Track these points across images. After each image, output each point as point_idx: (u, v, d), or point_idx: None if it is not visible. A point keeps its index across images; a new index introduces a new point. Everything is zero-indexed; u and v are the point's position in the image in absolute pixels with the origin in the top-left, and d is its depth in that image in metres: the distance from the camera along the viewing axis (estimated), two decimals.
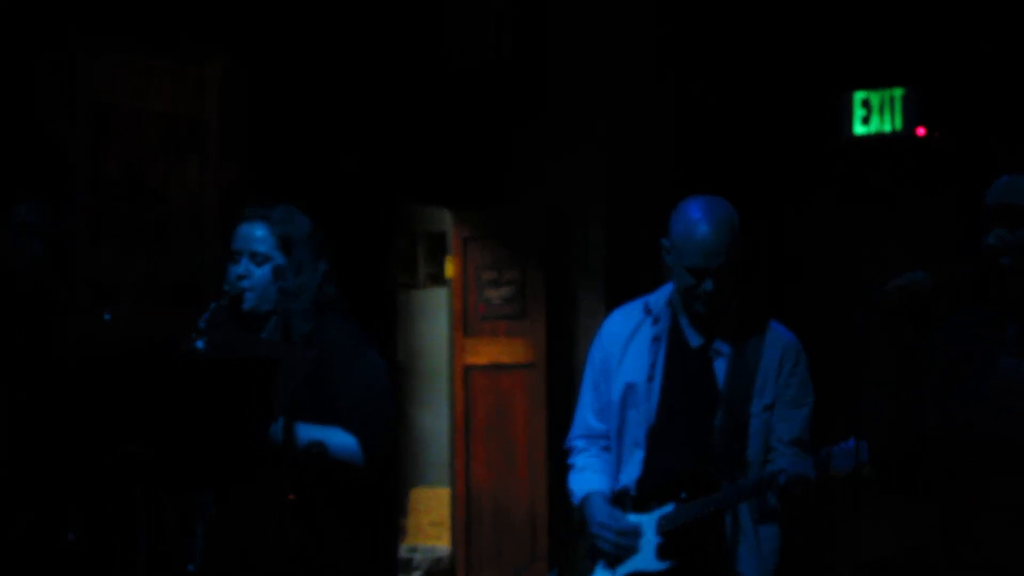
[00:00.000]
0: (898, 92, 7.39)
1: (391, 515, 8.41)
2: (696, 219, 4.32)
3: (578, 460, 4.63)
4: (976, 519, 3.19)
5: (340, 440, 4.36)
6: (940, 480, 3.29)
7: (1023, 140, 7.12)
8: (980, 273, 3.11)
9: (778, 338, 4.44)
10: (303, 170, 6.94)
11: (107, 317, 4.43)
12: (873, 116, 7.46)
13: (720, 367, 4.40)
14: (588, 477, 4.56)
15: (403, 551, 10.29)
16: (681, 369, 4.45)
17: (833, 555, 7.05)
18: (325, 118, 7.14)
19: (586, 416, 4.64)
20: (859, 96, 7.49)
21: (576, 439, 4.67)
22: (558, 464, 7.91)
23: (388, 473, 7.17)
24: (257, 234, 4.56)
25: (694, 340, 4.46)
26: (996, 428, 3.11)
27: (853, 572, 6.60)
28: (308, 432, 4.29)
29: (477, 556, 8.57)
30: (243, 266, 4.53)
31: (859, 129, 7.50)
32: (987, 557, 3.15)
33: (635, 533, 4.37)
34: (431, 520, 10.68)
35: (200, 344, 4.32)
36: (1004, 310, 3.23)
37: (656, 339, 4.49)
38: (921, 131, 7.36)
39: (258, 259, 4.53)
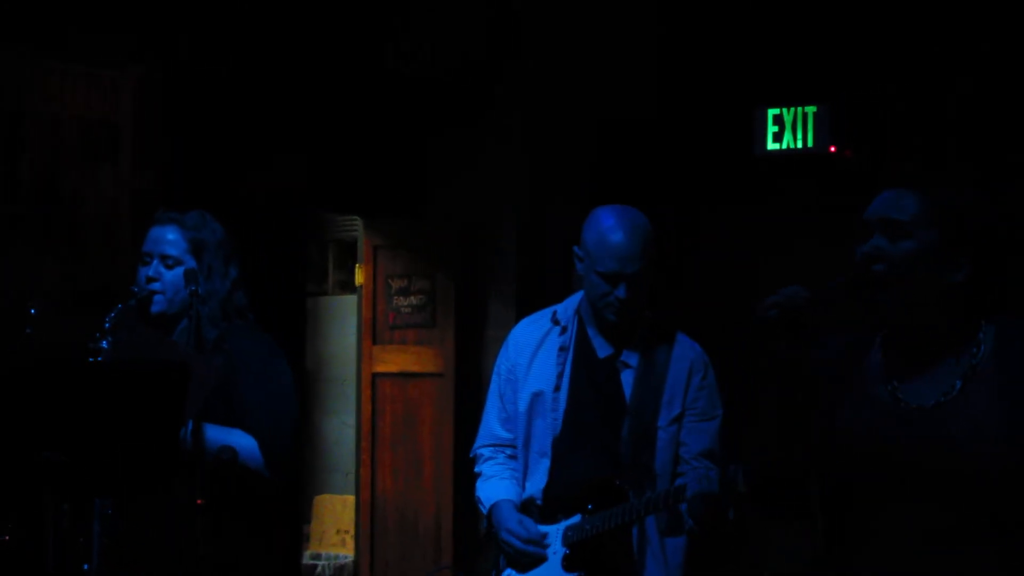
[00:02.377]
0: (811, 110, 7.46)
1: (295, 522, 8.37)
2: (610, 225, 4.33)
3: (485, 468, 4.63)
4: (852, 546, 3.21)
5: (245, 445, 4.35)
6: (818, 505, 3.30)
7: (933, 158, 7.22)
8: (851, 283, 3.14)
9: (686, 350, 4.46)
10: (217, 176, 6.90)
11: (32, 311, 4.37)
12: (785, 133, 7.52)
13: (627, 378, 4.41)
14: (496, 485, 4.55)
15: (307, 558, 10.26)
16: (588, 379, 4.45)
17: (739, 568, 7.09)
18: (239, 125, 7.11)
19: (492, 425, 4.64)
20: (772, 113, 7.55)
21: (482, 448, 4.67)
22: (464, 474, 7.94)
23: (292, 480, 7.14)
24: (169, 237, 4.53)
25: (602, 350, 4.47)
26: (872, 453, 3.14)
27: None
28: (215, 435, 4.28)
29: (381, 564, 8.56)
30: (153, 269, 4.50)
31: (771, 145, 7.56)
32: None
33: (543, 541, 4.37)
34: (336, 527, 10.65)
35: (104, 344, 4.30)
36: (876, 330, 3.26)
37: (563, 349, 4.50)
38: (833, 149, 7.43)
39: (169, 262, 4.50)
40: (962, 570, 3.01)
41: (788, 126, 7.52)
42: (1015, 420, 2.96)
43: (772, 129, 7.56)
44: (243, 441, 4.36)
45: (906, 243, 3.08)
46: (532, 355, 4.55)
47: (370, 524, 8.59)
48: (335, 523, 10.70)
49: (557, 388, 4.46)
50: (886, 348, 3.22)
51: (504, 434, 4.61)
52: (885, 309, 3.14)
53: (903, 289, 3.09)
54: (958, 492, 3.01)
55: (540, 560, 4.37)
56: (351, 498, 9.67)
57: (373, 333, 8.65)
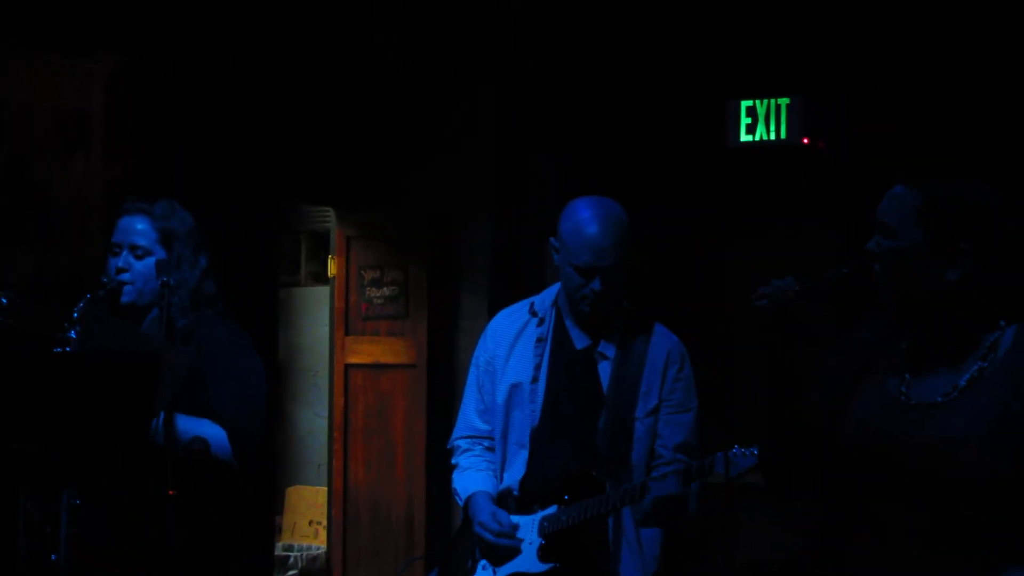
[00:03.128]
0: (783, 102, 7.46)
1: (268, 513, 8.35)
2: (586, 217, 4.32)
3: (462, 460, 4.63)
4: (850, 538, 3.21)
5: (215, 436, 4.34)
6: (819, 493, 3.31)
7: (906, 151, 7.24)
8: (852, 277, 3.14)
9: (663, 341, 4.46)
10: (188, 166, 6.88)
11: (3, 301, 4.35)
12: (758, 125, 7.53)
13: (604, 370, 4.41)
14: (472, 477, 4.55)
15: (279, 549, 10.23)
16: (565, 371, 4.45)
17: (714, 559, 7.11)
18: (212, 115, 7.08)
19: (470, 416, 4.64)
20: (745, 105, 7.55)
21: (459, 439, 4.67)
22: (437, 465, 7.96)
23: (262, 470, 7.13)
24: (138, 227, 4.51)
25: (579, 342, 4.46)
26: (869, 445, 3.14)
27: (735, 574, 6.66)
28: (186, 426, 4.26)
29: (354, 555, 8.54)
30: (123, 259, 4.48)
31: (744, 137, 7.56)
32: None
33: (516, 534, 4.37)
34: (308, 519, 10.64)
35: (73, 334, 4.28)
36: (896, 326, 3.26)
37: (541, 340, 4.49)
38: (805, 140, 7.44)
39: (138, 252, 4.48)
40: (943, 574, 3.01)
41: (761, 118, 7.52)
42: (1007, 427, 2.95)
43: (745, 121, 7.56)
44: (213, 431, 4.34)
45: (896, 241, 3.08)
46: (510, 347, 4.55)
47: (342, 515, 8.57)
48: (307, 514, 10.68)
49: (535, 380, 4.46)
50: (912, 340, 3.22)
51: (482, 425, 4.60)
52: (880, 306, 3.15)
53: (894, 287, 3.09)
54: (941, 494, 3.01)
55: (513, 553, 4.36)
56: (323, 489, 9.65)
57: (346, 324, 8.63)
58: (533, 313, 4.56)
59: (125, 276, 4.47)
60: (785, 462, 3.35)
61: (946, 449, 2.99)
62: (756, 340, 3.22)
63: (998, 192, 3.09)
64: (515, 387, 4.48)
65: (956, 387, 3.06)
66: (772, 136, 7.49)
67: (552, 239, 4.44)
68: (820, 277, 3.20)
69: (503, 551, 4.37)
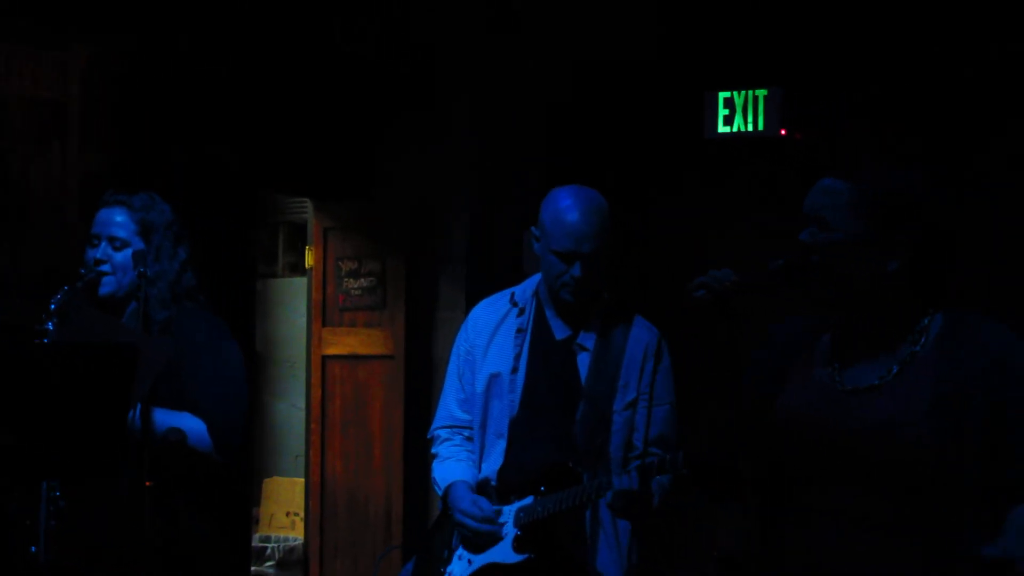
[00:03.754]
0: (761, 93, 7.47)
1: (245, 504, 8.34)
2: (567, 205, 4.33)
3: (442, 450, 4.63)
4: (784, 528, 3.23)
5: (194, 428, 4.34)
6: (757, 487, 3.32)
7: (883, 141, 7.25)
8: (790, 269, 3.15)
9: (643, 333, 4.46)
10: (166, 158, 6.86)
11: None
12: (736, 116, 7.53)
13: (583, 361, 4.42)
14: (452, 466, 4.55)
15: (256, 541, 10.24)
16: (544, 362, 4.46)
17: (690, 550, 7.13)
18: (189, 105, 7.07)
19: (450, 406, 4.65)
20: (723, 96, 7.55)
21: (439, 429, 4.67)
22: (414, 456, 7.96)
23: (242, 462, 7.13)
24: (117, 219, 4.51)
25: (559, 332, 4.47)
26: (803, 434, 3.16)
27: (709, 567, 6.67)
28: (163, 418, 4.26)
29: (331, 546, 8.54)
30: (101, 251, 4.48)
31: (722, 128, 7.56)
32: (800, 564, 3.19)
33: (495, 521, 4.37)
34: (285, 510, 10.64)
35: (50, 326, 4.28)
36: (822, 318, 3.28)
37: (521, 330, 4.50)
38: (783, 132, 7.44)
39: (117, 244, 4.48)
40: (886, 558, 3.03)
41: (739, 109, 7.53)
42: (942, 410, 2.97)
43: (723, 112, 7.56)
44: (192, 424, 4.34)
45: (834, 234, 3.09)
46: (490, 336, 4.55)
47: (320, 506, 8.57)
48: (285, 506, 10.70)
49: (514, 370, 4.46)
50: (836, 332, 3.24)
51: (462, 415, 4.61)
52: (819, 296, 3.16)
53: (834, 278, 3.11)
54: (880, 477, 3.02)
55: (495, 539, 4.37)
56: (301, 481, 9.66)
57: (323, 315, 8.63)
58: (513, 303, 4.56)
59: (104, 267, 4.47)
60: (713, 459, 3.37)
61: (885, 432, 3.01)
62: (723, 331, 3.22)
63: (931, 179, 3.11)
64: (494, 377, 4.48)
65: (890, 371, 3.08)
66: (750, 127, 7.49)
67: (532, 228, 4.45)
68: (758, 268, 3.21)
69: (484, 537, 4.37)
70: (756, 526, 3.29)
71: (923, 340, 3.09)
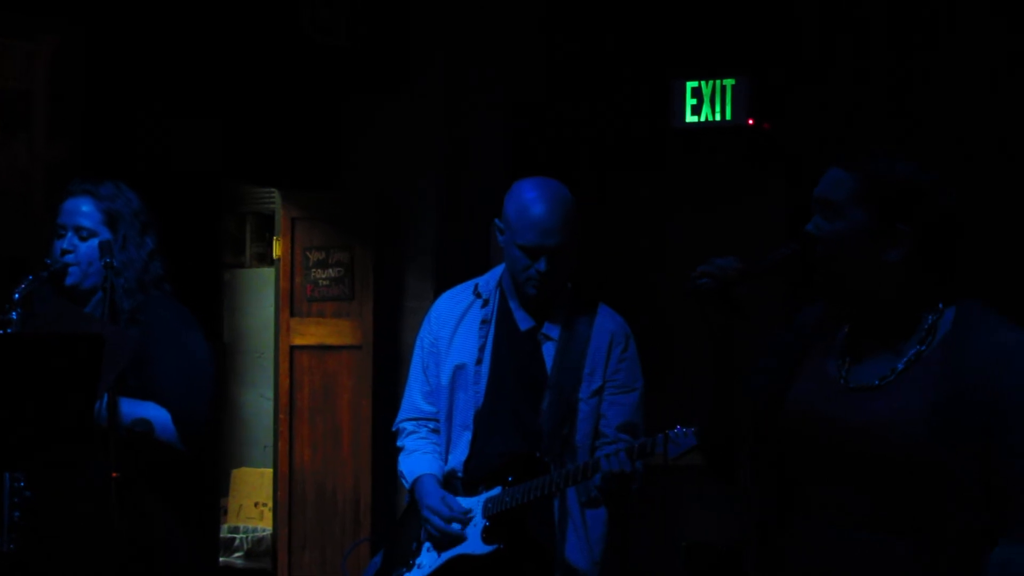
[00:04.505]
0: (729, 82, 7.48)
1: (213, 495, 8.32)
2: (532, 198, 4.31)
3: (408, 442, 4.62)
4: (788, 522, 3.22)
5: (159, 418, 4.32)
6: (758, 475, 3.32)
7: (854, 132, 7.27)
8: (795, 259, 3.14)
9: (607, 323, 4.46)
10: (133, 148, 6.83)
11: None
12: (704, 105, 7.54)
13: (548, 351, 4.41)
14: (419, 459, 4.54)
15: (225, 531, 10.22)
16: (509, 352, 4.45)
17: (658, 542, 7.14)
18: (155, 95, 7.03)
19: (415, 398, 4.63)
20: (690, 85, 7.56)
21: (404, 421, 4.66)
22: (382, 446, 7.95)
23: (209, 453, 7.10)
24: (83, 209, 4.50)
25: (523, 323, 4.46)
26: (805, 428, 3.16)
27: (677, 556, 6.69)
28: (130, 408, 4.25)
29: (300, 537, 8.53)
30: (68, 241, 4.47)
31: (690, 118, 7.57)
32: (795, 560, 3.19)
33: (464, 520, 4.37)
34: (254, 500, 10.62)
35: (14, 315, 4.26)
36: (836, 312, 3.27)
37: (485, 321, 4.49)
38: (751, 121, 7.45)
39: (83, 233, 4.46)
40: (876, 559, 3.02)
41: (707, 99, 7.54)
42: (941, 412, 2.95)
43: (691, 102, 7.58)
44: (157, 414, 4.33)
45: (837, 223, 3.08)
46: (454, 328, 4.54)
47: (288, 497, 8.56)
48: (253, 496, 10.67)
49: (479, 361, 4.45)
50: (852, 324, 3.23)
51: (427, 407, 4.60)
52: (823, 288, 3.16)
53: (836, 268, 3.10)
54: (876, 476, 3.01)
55: (460, 540, 4.36)
56: (269, 471, 9.64)
57: (291, 306, 8.61)
58: (477, 294, 4.55)
59: (69, 258, 4.45)
60: (724, 444, 3.36)
61: (881, 432, 3.00)
62: (699, 319, 3.21)
63: (936, 170, 3.10)
64: (459, 368, 4.47)
65: (894, 370, 3.07)
66: (717, 117, 7.51)
67: (497, 220, 4.43)
68: (762, 256, 3.20)
69: (450, 538, 4.37)
70: (756, 517, 3.29)
71: (930, 338, 3.07)
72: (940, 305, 3.10)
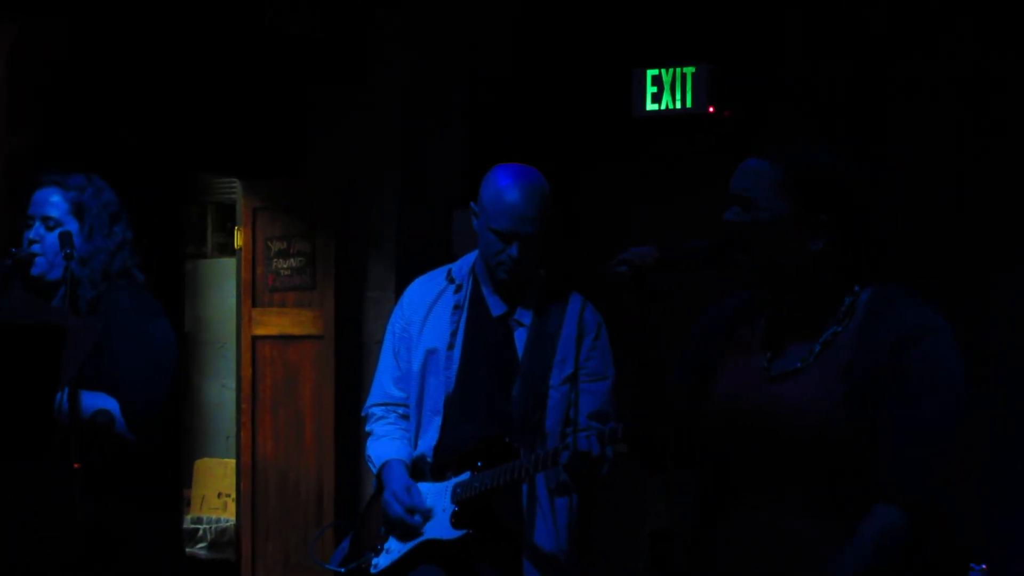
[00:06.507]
0: (689, 70, 7.49)
1: (176, 486, 8.30)
2: (508, 184, 4.35)
3: (377, 427, 4.62)
4: (717, 511, 3.24)
5: (111, 407, 4.31)
6: (689, 465, 3.34)
7: (812, 119, 7.30)
8: (712, 249, 3.16)
9: (579, 310, 4.48)
10: (93, 137, 6.80)
11: None
12: (664, 93, 7.55)
13: (520, 337, 4.44)
14: (387, 445, 4.55)
15: (188, 522, 10.20)
16: (481, 338, 4.47)
17: (622, 529, 7.17)
18: (116, 85, 7.01)
19: (385, 384, 4.64)
20: (650, 73, 7.56)
21: (374, 407, 4.66)
22: (346, 436, 7.95)
23: (172, 444, 7.09)
24: (51, 199, 4.53)
25: (496, 309, 4.48)
26: (730, 417, 3.17)
27: (641, 543, 6.72)
28: (92, 400, 4.24)
29: (263, 527, 8.52)
30: (35, 231, 4.50)
31: (650, 106, 7.57)
32: (726, 546, 3.21)
33: (424, 513, 4.37)
34: (217, 491, 10.60)
35: None
36: (757, 300, 3.29)
37: (457, 307, 4.51)
38: (711, 109, 7.46)
39: (50, 223, 4.50)
40: (806, 544, 3.04)
41: (667, 87, 7.54)
42: (856, 390, 2.99)
43: (651, 90, 7.58)
44: (108, 403, 4.32)
45: (759, 214, 3.09)
46: (426, 313, 4.55)
47: (251, 487, 8.54)
48: (216, 487, 10.65)
49: (451, 346, 4.47)
50: (769, 315, 3.25)
51: (397, 393, 4.60)
52: (744, 277, 3.17)
53: (759, 259, 3.11)
54: (799, 462, 3.03)
55: (415, 533, 4.36)
56: (232, 462, 9.63)
57: (252, 296, 8.59)
58: (450, 280, 4.57)
59: (36, 248, 4.48)
60: (648, 437, 3.38)
61: (799, 414, 3.02)
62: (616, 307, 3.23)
63: (854, 159, 3.13)
64: (431, 353, 4.49)
65: (812, 352, 3.10)
66: (678, 105, 7.51)
67: (472, 203, 4.45)
68: (679, 246, 3.21)
69: (405, 528, 4.37)
70: (693, 505, 3.30)
71: (847, 320, 3.10)
72: (856, 288, 3.12)
